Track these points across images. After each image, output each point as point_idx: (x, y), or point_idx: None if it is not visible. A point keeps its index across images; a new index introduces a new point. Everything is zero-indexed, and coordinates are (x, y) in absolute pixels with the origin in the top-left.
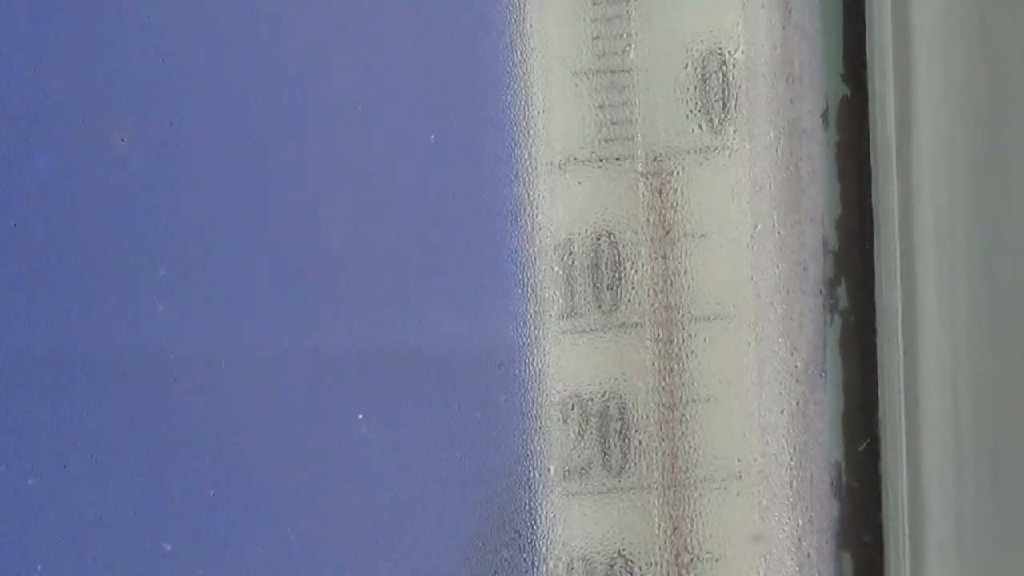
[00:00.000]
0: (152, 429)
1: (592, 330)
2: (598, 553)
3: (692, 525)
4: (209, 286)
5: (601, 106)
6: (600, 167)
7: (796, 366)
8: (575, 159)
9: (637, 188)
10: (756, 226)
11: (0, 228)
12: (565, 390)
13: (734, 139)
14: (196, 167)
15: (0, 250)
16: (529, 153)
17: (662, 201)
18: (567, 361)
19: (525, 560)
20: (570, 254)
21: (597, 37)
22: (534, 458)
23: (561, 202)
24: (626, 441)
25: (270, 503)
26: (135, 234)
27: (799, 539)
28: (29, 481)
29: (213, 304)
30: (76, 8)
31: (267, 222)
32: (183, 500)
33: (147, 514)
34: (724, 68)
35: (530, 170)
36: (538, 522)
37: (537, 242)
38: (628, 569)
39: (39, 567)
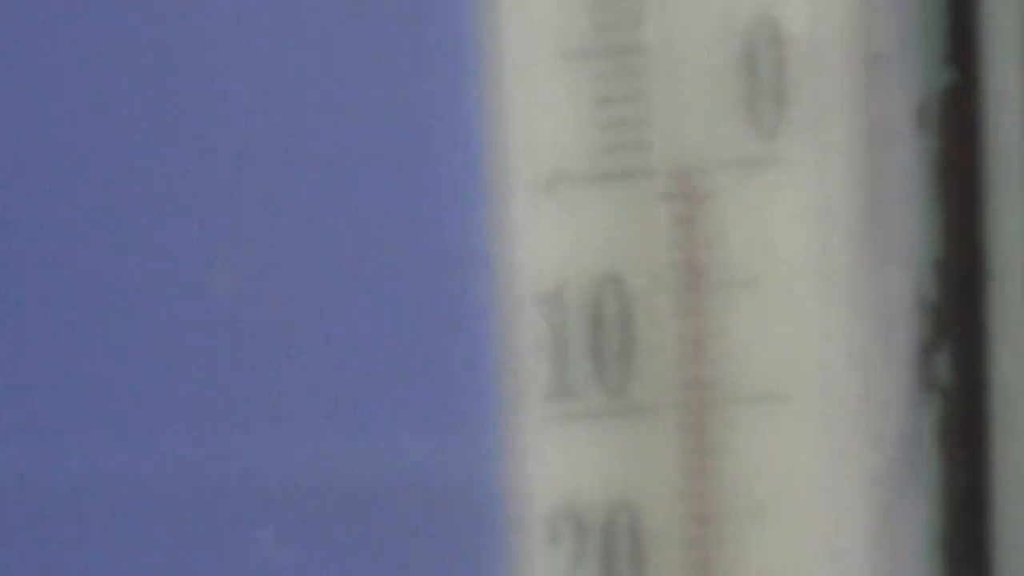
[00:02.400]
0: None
1: (592, 415)
2: None
3: None
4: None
5: (604, 100)
6: (603, 187)
7: (877, 464)
8: (567, 175)
9: (655, 216)
10: (820, 269)
11: None
12: (555, 499)
13: (792, 148)
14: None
15: None
16: (503, 167)
17: (691, 235)
18: (557, 459)
19: None
20: (561, 308)
21: (597, 4)
22: None
23: (548, 235)
24: (640, 568)
25: None
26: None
27: None
28: None
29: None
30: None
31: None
32: None
33: None
34: (777, 48)
35: (505, 191)
36: None
37: (514, 292)
38: None
39: None
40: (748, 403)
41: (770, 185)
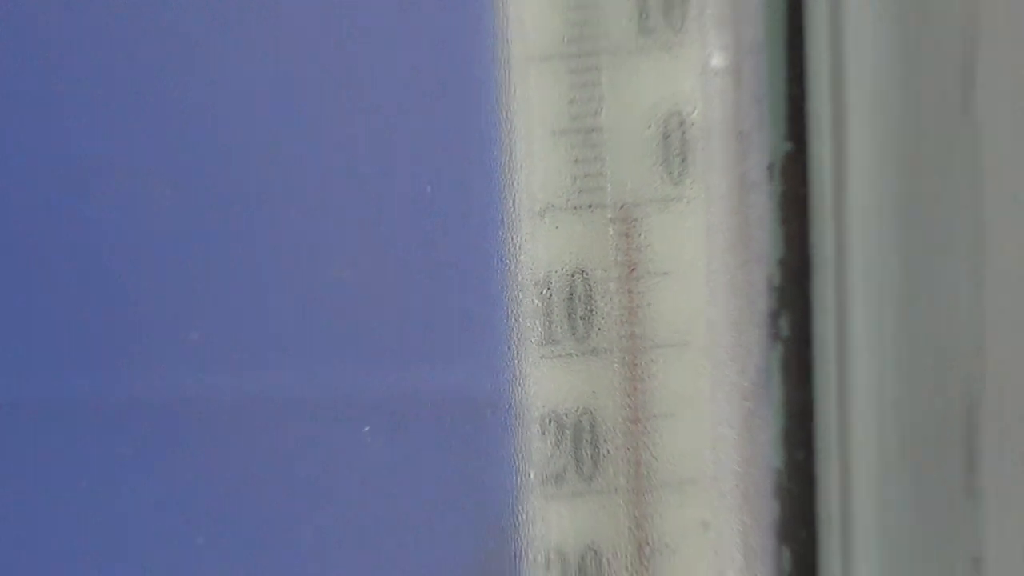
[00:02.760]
0: (175, 456)
1: (567, 355)
2: (571, 547)
3: (652, 523)
4: (224, 333)
5: (576, 161)
6: (575, 214)
7: (744, 387)
8: (553, 207)
9: (607, 232)
10: (709, 265)
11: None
12: (544, 407)
13: (691, 189)
14: (219, 211)
15: (27, 291)
16: (513, 201)
17: (628, 243)
18: (545, 382)
19: (509, 551)
20: (548, 289)
21: (572, 101)
22: (517, 466)
23: (541, 244)
24: (595, 451)
25: (284, 511)
26: (169, 270)
27: (745, 535)
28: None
29: (238, 340)
30: (108, 61)
31: (281, 261)
32: (212, 511)
33: (177, 520)
34: (683, 127)
35: (513, 216)
36: (520, 520)
37: (519, 279)
38: (597, 560)
39: None
40: (663, 348)
41: (678, 213)
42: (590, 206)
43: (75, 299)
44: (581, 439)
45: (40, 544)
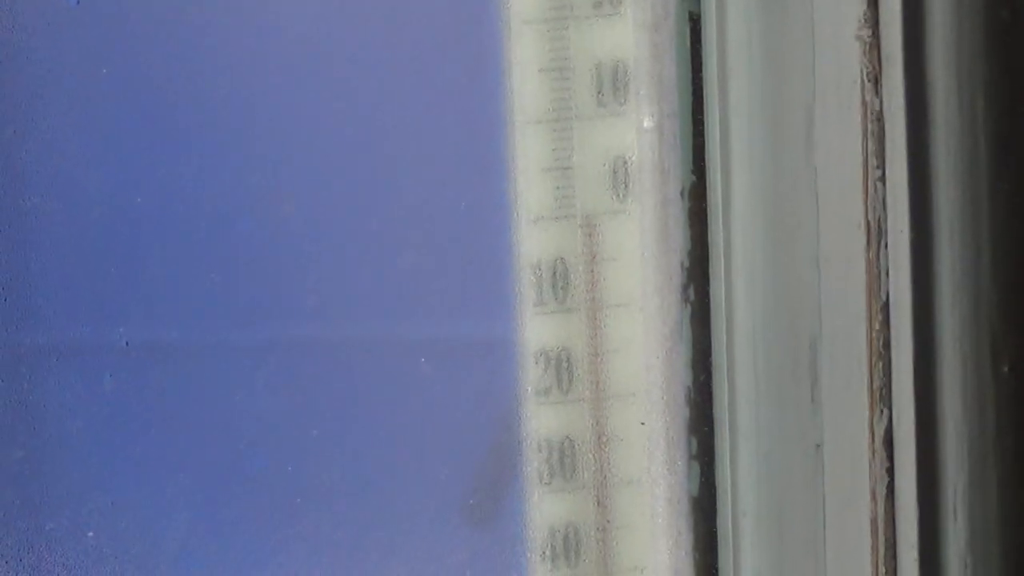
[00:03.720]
0: (261, 394)
1: (552, 312)
2: (555, 437)
3: (608, 422)
4: (217, 282)
5: (557, 187)
6: (556, 221)
7: (665, 332)
8: (543, 217)
9: (576, 233)
10: (643, 253)
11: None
12: (536, 346)
13: (631, 206)
14: (266, 195)
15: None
16: (516, 213)
17: (591, 240)
18: (537, 330)
19: (514, 441)
20: (540, 269)
21: (554, 149)
22: (520, 385)
23: (535, 241)
24: (570, 374)
25: (356, 437)
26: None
27: (667, 430)
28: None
29: (224, 297)
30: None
31: (342, 233)
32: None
33: (263, 449)
34: (626, 166)
35: (517, 223)
36: (521, 420)
37: (522, 262)
38: (571, 446)
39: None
40: (614, 307)
41: (623, 221)
42: (567, 216)
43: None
44: (561, 367)
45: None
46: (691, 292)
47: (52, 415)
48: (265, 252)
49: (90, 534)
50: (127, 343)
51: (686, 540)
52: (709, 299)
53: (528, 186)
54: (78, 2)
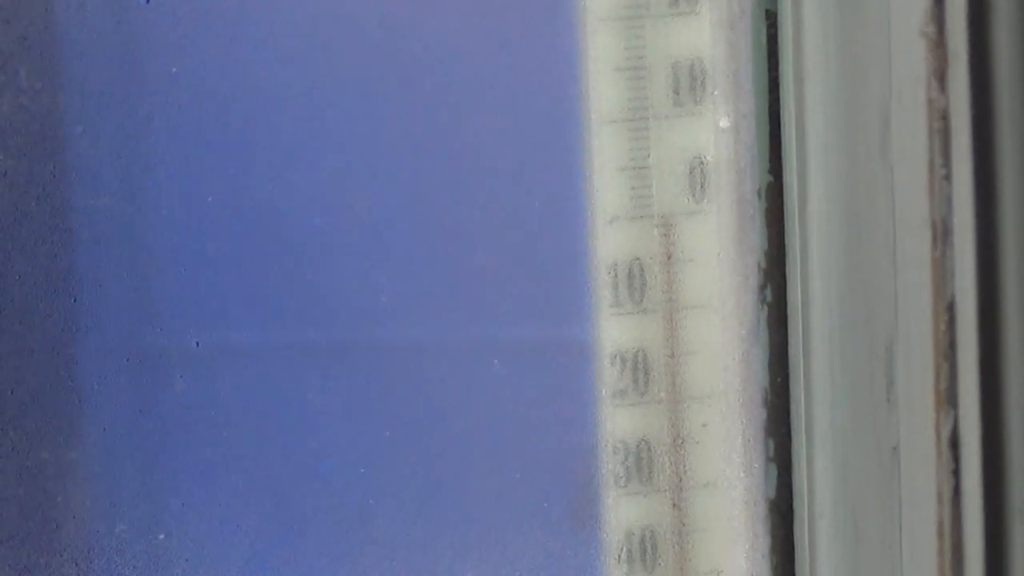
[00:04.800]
0: (346, 395)
1: (628, 314)
2: (631, 438)
3: (683, 422)
4: (346, 286)
5: (632, 188)
6: (633, 221)
7: (742, 334)
8: (619, 217)
9: (652, 233)
10: (719, 254)
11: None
12: (613, 347)
13: (708, 206)
14: (350, 186)
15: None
16: (592, 213)
17: (667, 241)
18: (613, 331)
19: (588, 444)
20: (615, 270)
21: (631, 149)
22: (595, 384)
23: (611, 241)
24: (646, 376)
25: (436, 440)
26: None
27: (744, 430)
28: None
29: (351, 299)
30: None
31: (426, 226)
32: (376, 442)
33: (348, 452)
34: (702, 166)
35: (593, 224)
36: (598, 421)
37: (598, 264)
38: (648, 448)
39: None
40: (691, 308)
41: (699, 221)
42: (642, 216)
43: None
44: (637, 368)
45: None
46: (768, 293)
47: (123, 416)
48: (338, 253)
49: (161, 536)
50: (198, 344)
51: (763, 543)
52: (786, 300)
53: (604, 186)
54: (148, 1)
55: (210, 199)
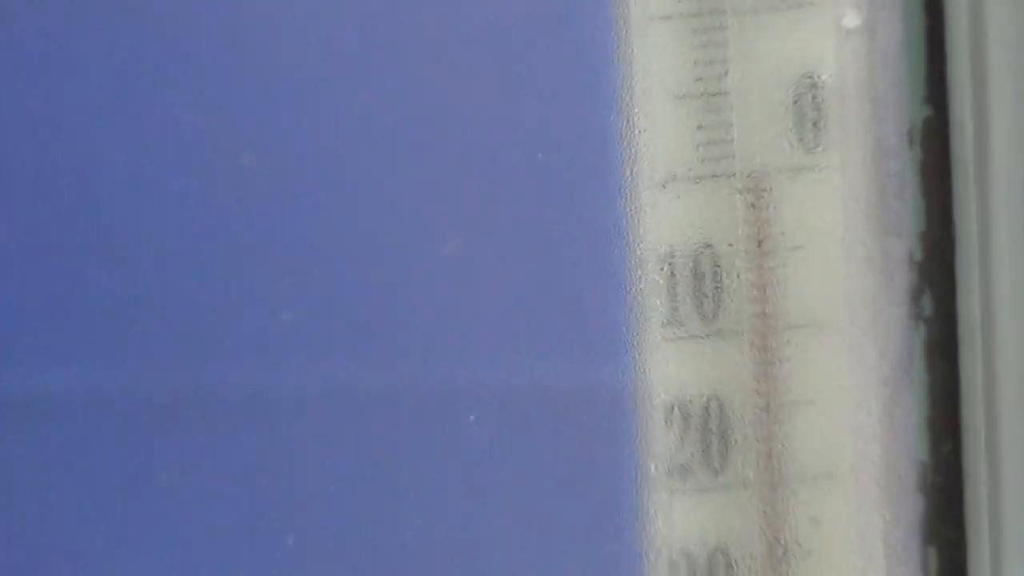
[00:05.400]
0: (277, 445)
1: (693, 337)
2: (698, 547)
3: (784, 520)
4: (330, 308)
5: (700, 127)
6: (699, 184)
7: (884, 370)
8: (676, 177)
9: (734, 203)
10: (845, 239)
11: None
12: (667, 393)
13: (824, 157)
14: (315, 188)
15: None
16: (632, 171)
17: (757, 215)
18: (669, 366)
19: (628, 554)
20: (671, 265)
21: (696, 62)
22: (637, 458)
23: (663, 217)
24: (724, 442)
25: (389, 505)
26: (261, 253)
27: (885, 533)
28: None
29: (335, 325)
30: (204, 38)
31: (380, 239)
32: (306, 502)
33: (270, 512)
34: (815, 91)
35: (633, 187)
36: (640, 518)
37: (640, 254)
38: (726, 562)
39: None
40: (797, 328)
41: (810, 183)
42: (715, 176)
43: (148, 289)
44: (708, 429)
45: (91, 539)
46: (925, 302)
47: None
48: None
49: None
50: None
51: None
52: (955, 314)
53: (652, 125)
54: None
55: (181, 239)
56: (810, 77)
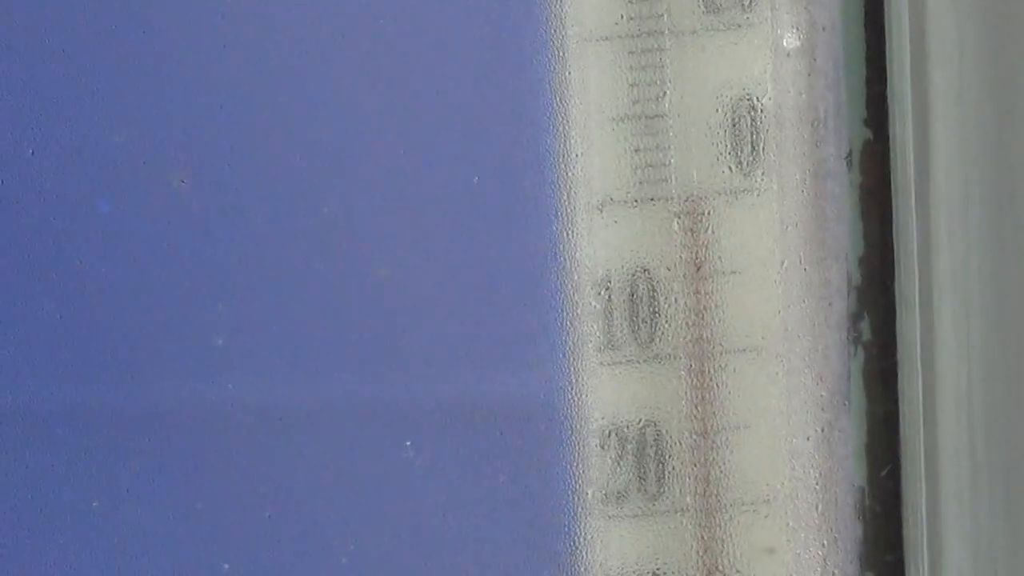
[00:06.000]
0: (209, 466)
1: (629, 362)
2: (634, 573)
3: (722, 546)
4: (263, 328)
5: (637, 150)
6: (636, 207)
7: (822, 395)
8: (612, 200)
9: (671, 227)
10: (783, 263)
11: (63, 268)
12: (603, 418)
13: (762, 181)
14: (249, 208)
15: (60, 290)
16: (568, 195)
17: (694, 239)
18: (605, 391)
19: None
20: (608, 290)
21: (633, 84)
22: (573, 483)
23: (599, 241)
24: (661, 467)
25: (323, 529)
26: (194, 274)
27: (824, 559)
28: (94, 504)
29: (267, 346)
30: (133, 57)
31: (314, 260)
32: (240, 527)
33: (205, 537)
34: (753, 113)
35: (569, 210)
36: (577, 544)
37: (576, 278)
38: None
39: None
40: (734, 353)
41: (748, 206)
42: (653, 199)
43: (100, 306)
44: (644, 454)
45: (53, 554)
46: (864, 327)
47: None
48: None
49: None
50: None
51: None
52: (894, 338)
53: (588, 147)
54: None
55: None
56: (748, 99)
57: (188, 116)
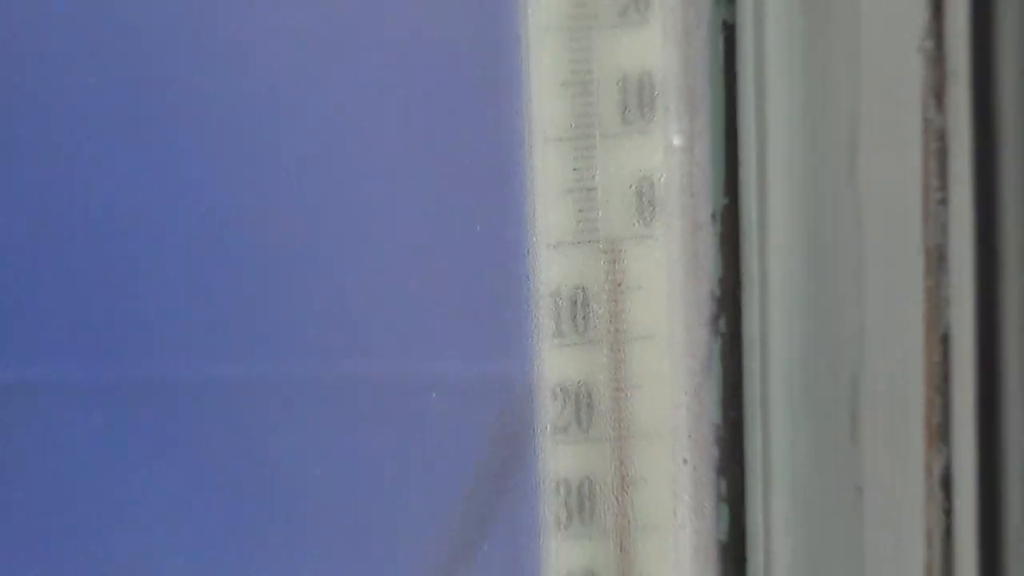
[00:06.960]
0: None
1: (572, 344)
2: (573, 477)
3: (631, 461)
4: (218, 314)
5: (579, 210)
6: (577, 246)
7: (694, 366)
8: (563, 242)
9: (599, 259)
10: (671, 282)
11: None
12: (555, 380)
13: (658, 230)
14: (220, 209)
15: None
16: (535, 238)
17: (614, 267)
18: (556, 362)
19: (529, 483)
20: (559, 298)
21: (576, 169)
22: (537, 422)
23: (554, 267)
24: (591, 411)
25: (288, 499)
26: (140, 255)
27: (695, 471)
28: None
29: (223, 330)
30: (93, 65)
31: (283, 265)
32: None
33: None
34: (652, 187)
35: (535, 248)
36: (539, 458)
37: (539, 290)
38: (591, 487)
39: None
40: (639, 339)
41: (648, 247)
42: (588, 241)
43: (82, 285)
44: (581, 402)
45: (43, 528)
46: (722, 324)
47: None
48: (266, 283)
49: None
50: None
51: None
52: (741, 331)
53: (547, 209)
54: None
55: (133, 227)
56: (649, 179)
57: (168, 116)
